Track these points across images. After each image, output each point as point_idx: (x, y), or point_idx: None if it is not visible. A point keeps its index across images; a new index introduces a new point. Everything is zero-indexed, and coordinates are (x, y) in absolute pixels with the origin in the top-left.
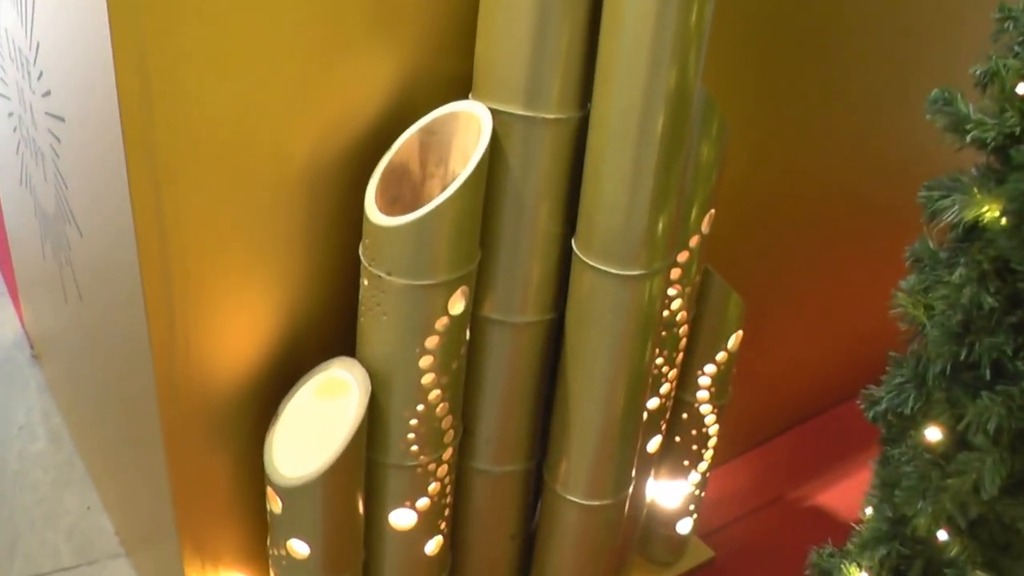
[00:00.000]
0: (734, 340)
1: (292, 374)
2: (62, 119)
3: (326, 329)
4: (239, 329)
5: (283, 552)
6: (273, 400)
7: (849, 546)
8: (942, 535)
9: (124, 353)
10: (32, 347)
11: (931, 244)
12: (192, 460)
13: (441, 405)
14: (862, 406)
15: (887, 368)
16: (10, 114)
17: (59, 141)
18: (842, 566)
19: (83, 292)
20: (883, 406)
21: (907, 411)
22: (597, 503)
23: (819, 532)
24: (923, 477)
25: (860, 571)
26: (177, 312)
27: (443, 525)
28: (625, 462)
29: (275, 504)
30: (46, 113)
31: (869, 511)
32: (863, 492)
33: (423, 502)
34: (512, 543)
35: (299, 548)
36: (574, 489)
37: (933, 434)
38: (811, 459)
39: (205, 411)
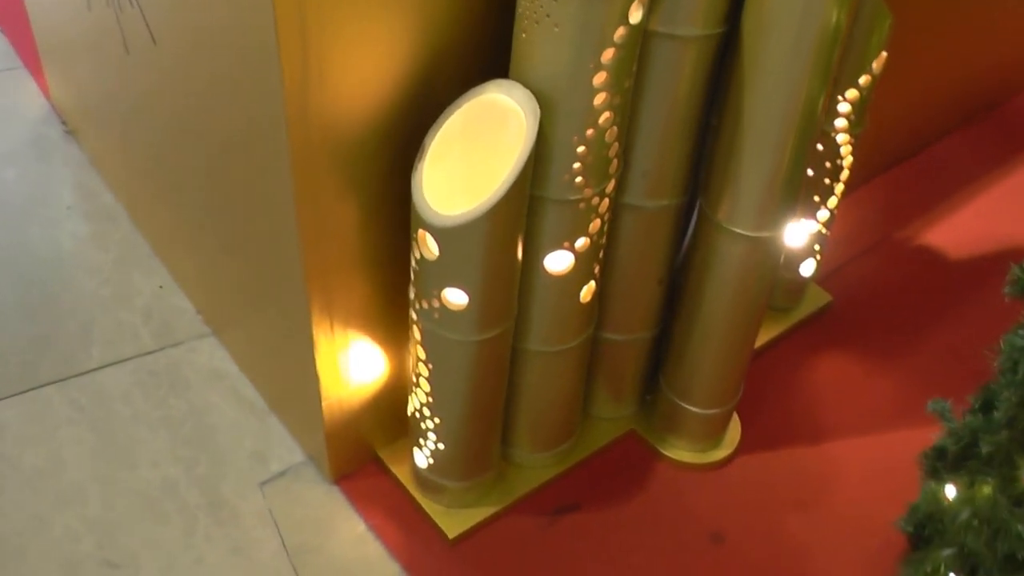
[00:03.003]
0: (879, 62)
1: (433, 107)
2: None
3: (470, 52)
4: (374, 47)
5: (435, 304)
6: (413, 136)
7: None
8: None
9: (233, 91)
10: (64, 122)
11: None
12: (322, 203)
13: (610, 130)
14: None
15: None
16: None
17: None
18: None
19: (157, 34)
20: None
21: None
22: (765, 234)
23: (934, 272)
24: None
25: None
26: (310, 30)
27: (596, 269)
28: (793, 191)
29: (428, 250)
30: None
31: None
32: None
33: (582, 242)
34: (659, 288)
35: (456, 298)
36: (741, 220)
37: None
38: (912, 199)
39: (338, 147)
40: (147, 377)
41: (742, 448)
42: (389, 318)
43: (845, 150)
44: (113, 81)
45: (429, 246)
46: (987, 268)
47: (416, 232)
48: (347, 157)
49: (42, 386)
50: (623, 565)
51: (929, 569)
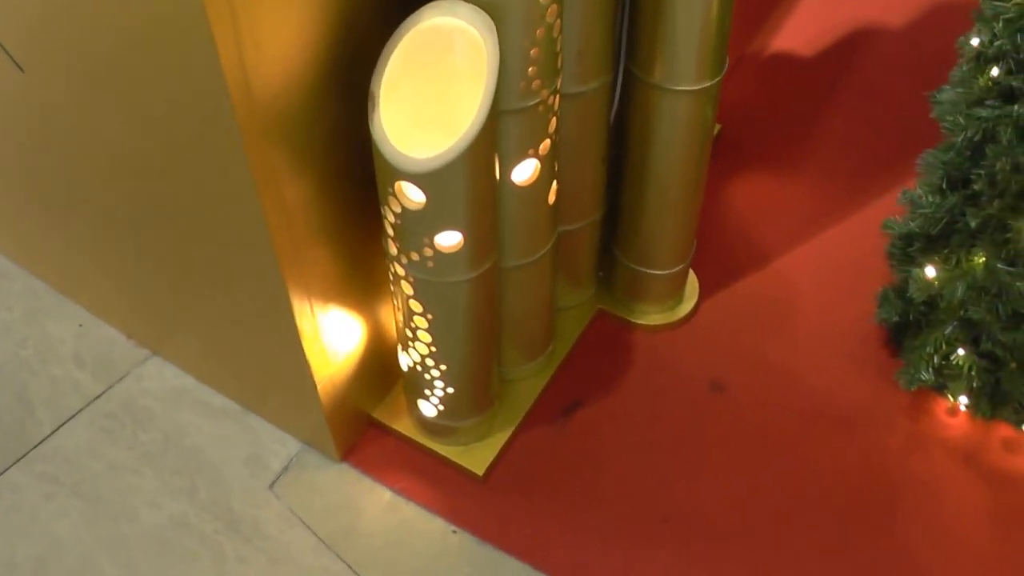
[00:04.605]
0: None
1: (367, 45)
2: None
3: None
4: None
5: (427, 253)
6: (356, 85)
7: None
8: None
9: (164, 80)
10: None
11: None
12: (281, 179)
13: (556, 23)
14: None
15: None
16: None
17: None
18: None
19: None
20: None
21: None
22: (707, 84)
23: (799, 74)
24: None
25: None
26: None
27: (556, 167)
28: (726, 34)
29: (410, 200)
30: None
31: None
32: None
33: (544, 145)
34: (602, 167)
35: (449, 240)
36: (681, 77)
37: None
38: (747, 16)
39: (285, 115)
40: (106, 422)
41: (702, 296)
42: (358, 281)
43: None
44: None
45: (410, 196)
46: (845, 53)
47: (390, 186)
48: (295, 125)
49: (2, 472)
50: (642, 437)
51: (931, 349)
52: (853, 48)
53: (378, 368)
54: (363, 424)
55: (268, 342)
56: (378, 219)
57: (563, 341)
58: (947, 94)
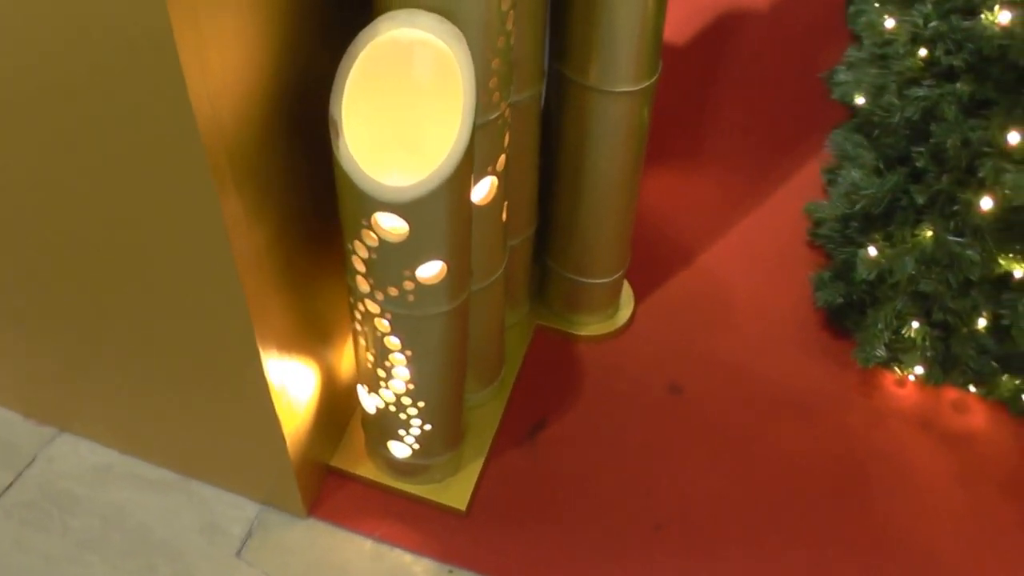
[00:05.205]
0: None
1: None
2: None
3: None
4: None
5: (407, 287)
6: (309, 110)
7: None
8: None
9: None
10: None
11: None
12: (249, 222)
13: (513, 32)
14: None
15: None
16: None
17: None
18: None
19: None
20: None
21: None
22: (645, 83)
23: (678, 73)
24: None
25: None
26: (202, 23)
27: (504, 183)
28: (660, 34)
29: (389, 232)
30: None
31: None
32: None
33: (501, 160)
34: (536, 178)
35: (430, 271)
36: (619, 79)
37: None
38: None
39: (250, 153)
40: (26, 513)
41: (637, 301)
42: (313, 326)
43: None
44: None
45: (388, 228)
46: (717, 39)
47: (365, 219)
48: (259, 159)
49: None
50: (613, 448)
51: (882, 326)
52: (724, 34)
53: (333, 415)
54: (323, 475)
55: (224, 400)
56: (334, 257)
57: (511, 362)
58: (843, 74)
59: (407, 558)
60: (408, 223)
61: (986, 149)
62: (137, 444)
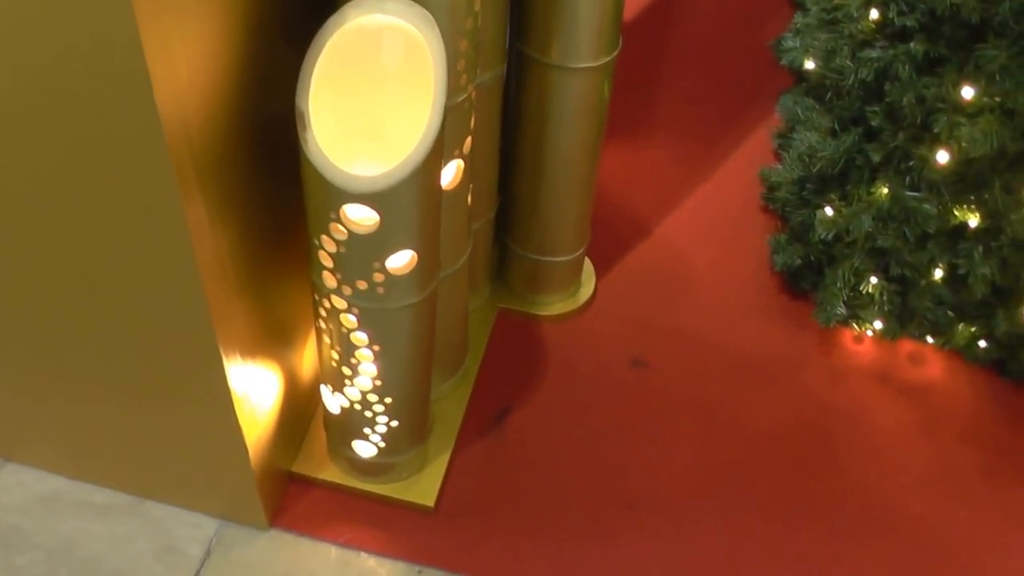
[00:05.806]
0: None
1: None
2: None
3: None
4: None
5: (376, 279)
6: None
7: None
8: None
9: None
10: None
11: None
12: (213, 226)
13: (480, 13)
14: None
15: None
16: None
17: None
18: None
19: None
20: None
21: None
22: (605, 59)
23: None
24: None
25: None
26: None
27: (471, 166)
28: (621, 8)
29: (358, 224)
30: None
31: None
32: None
33: (467, 143)
34: (497, 160)
35: (400, 261)
36: (580, 55)
37: None
38: None
39: (213, 155)
40: None
41: (598, 277)
42: (273, 329)
43: None
44: None
45: (357, 220)
46: (659, 8)
47: (333, 212)
48: (222, 160)
49: None
50: (581, 428)
51: (841, 284)
52: (669, 7)
53: (294, 419)
54: (285, 483)
55: (183, 409)
56: (297, 255)
57: (474, 349)
58: (791, 41)
59: (374, 562)
60: (379, 213)
61: (940, 105)
62: (87, 467)
